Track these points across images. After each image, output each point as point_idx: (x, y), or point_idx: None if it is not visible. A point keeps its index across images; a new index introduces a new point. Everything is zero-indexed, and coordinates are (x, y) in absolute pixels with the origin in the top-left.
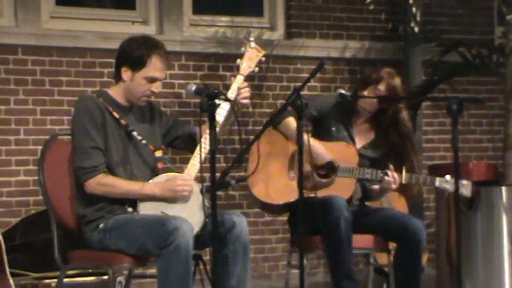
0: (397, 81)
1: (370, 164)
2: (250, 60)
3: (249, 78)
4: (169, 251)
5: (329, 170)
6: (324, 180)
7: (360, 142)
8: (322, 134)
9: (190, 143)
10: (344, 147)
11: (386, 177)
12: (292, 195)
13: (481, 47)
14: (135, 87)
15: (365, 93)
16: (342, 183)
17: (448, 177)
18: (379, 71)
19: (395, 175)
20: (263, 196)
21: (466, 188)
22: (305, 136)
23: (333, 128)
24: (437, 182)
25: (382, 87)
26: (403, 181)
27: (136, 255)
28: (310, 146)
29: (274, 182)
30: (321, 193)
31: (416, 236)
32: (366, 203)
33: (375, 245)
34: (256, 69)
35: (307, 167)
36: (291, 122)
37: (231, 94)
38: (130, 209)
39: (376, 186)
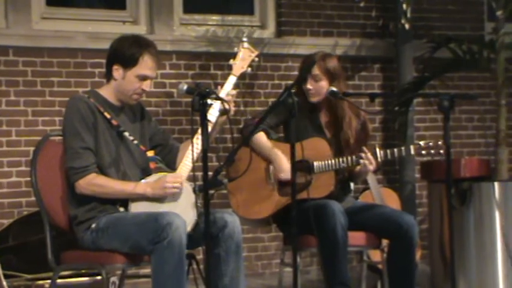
0: (330, 61)
1: (343, 151)
2: (243, 60)
3: (240, 76)
4: (162, 246)
5: (305, 170)
6: (303, 182)
7: (329, 132)
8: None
9: (169, 156)
10: (316, 142)
11: (361, 161)
12: (275, 205)
13: (471, 42)
14: (127, 85)
15: (308, 85)
16: (322, 180)
17: (422, 143)
18: (311, 56)
19: (370, 156)
20: (246, 214)
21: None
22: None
23: (301, 125)
24: (412, 149)
25: (316, 71)
26: (379, 159)
27: (129, 254)
28: (274, 161)
29: (255, 196)
30: (304, 195)
31: (409, 233)
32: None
33: (367, 242)
34: (249, 69)
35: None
36: (262, 137)
37: (223, 95)
38: (121, 209)
39: (356, 170)
